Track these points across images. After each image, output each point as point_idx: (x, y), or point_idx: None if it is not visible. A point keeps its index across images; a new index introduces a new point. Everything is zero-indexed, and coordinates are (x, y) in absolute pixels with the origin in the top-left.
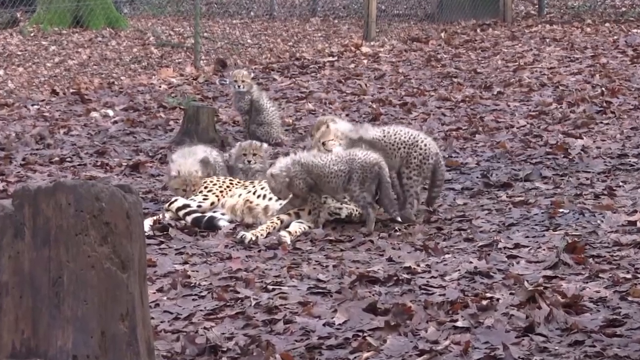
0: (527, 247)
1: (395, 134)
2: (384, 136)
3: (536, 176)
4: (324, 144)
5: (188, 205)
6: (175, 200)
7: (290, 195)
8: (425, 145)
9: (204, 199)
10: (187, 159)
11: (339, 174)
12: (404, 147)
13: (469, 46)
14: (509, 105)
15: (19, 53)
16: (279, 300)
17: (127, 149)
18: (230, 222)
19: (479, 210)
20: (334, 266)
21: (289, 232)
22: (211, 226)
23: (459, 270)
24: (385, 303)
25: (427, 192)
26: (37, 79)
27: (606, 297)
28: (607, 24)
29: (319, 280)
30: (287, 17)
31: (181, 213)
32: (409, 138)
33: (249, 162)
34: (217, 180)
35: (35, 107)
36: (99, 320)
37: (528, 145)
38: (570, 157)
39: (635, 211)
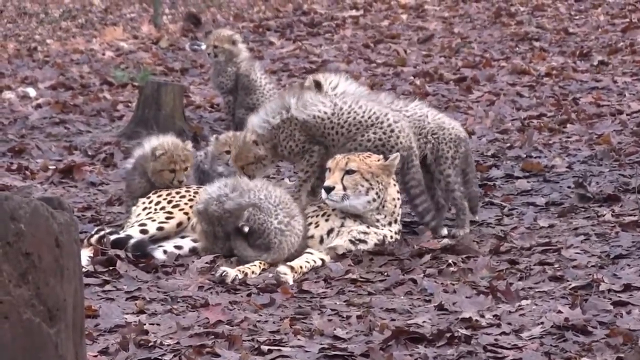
0: None
1: (420, 116)
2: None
3: None
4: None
5: (103, 230)
6: (100, 229)
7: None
8: (453, 127)
9: (167, 218)
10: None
11: None
12: (433, 134)
13: None
14: (615, 82)
15: None
16: None
17: (56, 145)
18: (194, 251)
19: (571, 235)
20: (358, 317)
21: (292, 268)
22: (142, 253)
23: (542, 323)
24: None
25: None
26: None
27: None
28: None
29: (336, 337)
30: None
31: (94, 240)
32: (437, 123)
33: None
34: (186, 191)
35: None
36: None
37: None
38: None
39: None
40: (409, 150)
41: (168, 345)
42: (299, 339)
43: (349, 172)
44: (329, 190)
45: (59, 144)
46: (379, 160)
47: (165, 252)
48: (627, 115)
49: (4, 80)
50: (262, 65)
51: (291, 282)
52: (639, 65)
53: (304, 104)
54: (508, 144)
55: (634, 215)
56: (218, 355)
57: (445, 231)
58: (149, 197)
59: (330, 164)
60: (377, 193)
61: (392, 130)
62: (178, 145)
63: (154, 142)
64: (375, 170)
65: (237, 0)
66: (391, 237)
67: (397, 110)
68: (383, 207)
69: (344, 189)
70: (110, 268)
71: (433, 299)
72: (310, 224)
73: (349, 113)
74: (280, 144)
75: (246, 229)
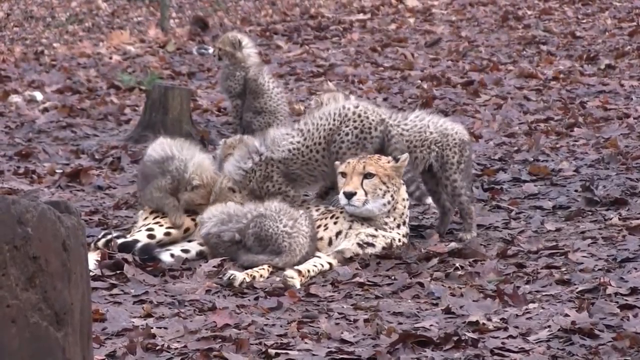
0: None
1: (421, 127)
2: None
3: None
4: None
5: (109, 233)
6: (107, 233)
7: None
8: (457, 132)
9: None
10: (199, 156)
11: None
12: (436, 143)
13: None
14: (622, 85)
15: None
16: None
17: (63, 149)
18: (201, 254)
19: (578, 238)
20: (365, 321)
21: (299, 272)
22: (149, 257)
23: (549, 326)
24: None
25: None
26: None
27: None
28: None
29: (343, 341)
30: None
31: (102, 244)
32: (440, 131)
33: None
34: None
35: None
36: None
37: None
38: None
39: None
40: (383, 123)
41: (175, 349)
42: (306, 343)
43: (367, 176)
44: (350, 196)
45: (66, 147)
46: (389, 162)
47: (172, 255)
48: (634, 118)
49: (10, 84)
50: (269, 69)
51: (298, 286)
52: None
53: (273, 142)
54: (515, 148)
55: None
56: (225, 359)
57: (429, 200)
58: None
59: (344, 168)
60: (391, 195)
61: (359, 115)
62: (216, 179)
63: (187, 162)
64: (390, 173)
65: (245, 4)
66: (399, 240)
67: (396, 124)
68: (394, 209)
69: (365, 194)
70: (118, 272)
71: (440, 302)
72: (319, 226)
73: (317, 129)
74: (258, 185)
75: (238, 237)
